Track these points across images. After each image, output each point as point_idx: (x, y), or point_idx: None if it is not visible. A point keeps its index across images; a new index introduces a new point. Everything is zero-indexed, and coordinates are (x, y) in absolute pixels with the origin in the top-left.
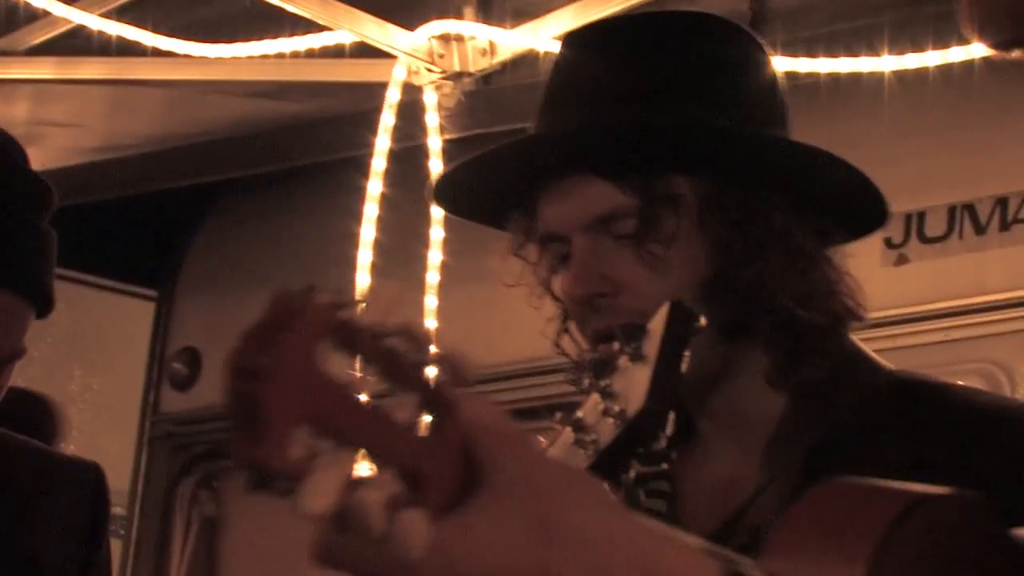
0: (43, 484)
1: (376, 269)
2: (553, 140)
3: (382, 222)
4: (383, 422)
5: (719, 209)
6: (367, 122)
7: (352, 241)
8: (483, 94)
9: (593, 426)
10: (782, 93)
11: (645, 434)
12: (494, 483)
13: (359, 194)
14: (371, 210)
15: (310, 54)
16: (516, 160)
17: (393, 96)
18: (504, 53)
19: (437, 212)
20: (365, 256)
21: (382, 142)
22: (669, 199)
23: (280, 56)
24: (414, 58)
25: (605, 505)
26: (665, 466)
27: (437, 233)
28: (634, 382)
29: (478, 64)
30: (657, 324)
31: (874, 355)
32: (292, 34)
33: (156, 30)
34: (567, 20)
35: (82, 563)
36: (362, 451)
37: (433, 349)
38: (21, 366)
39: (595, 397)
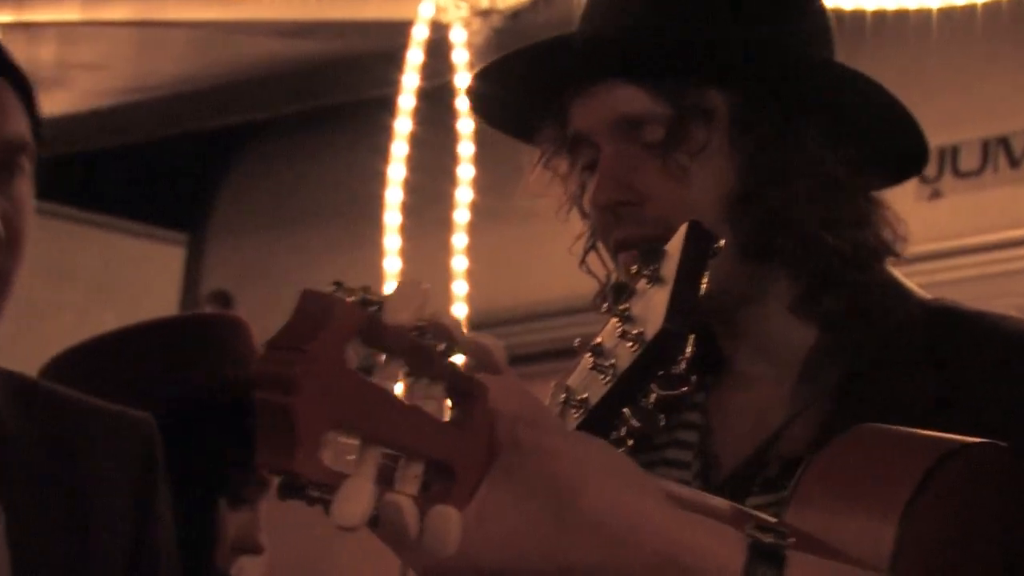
0: (93, 439)
1: (405, 208)
2: (589, 41)
3: (411, 161)
4: (411, 415)
5: (751, 126)
6: (394, 61)
7: (381, 180)
8: (512, 31)
9: (612, 350)
10: (829, 20)
11: (664, 357)
12: (507, 467)
13: (387, 133)
14: (399, 149)
15: None
16: (550, 61)
17: (421, 34)
18: None
19: (466, 150)
20: (394, 195)
21: (410, 80)
22: (701, 110)
23: None
24: None
25: (627, 487)
26: (685, 389)
27: (466, 171)
28: (652, 304)
29: (506, 0)
30: (675, 245)
31: (910, 284)
32: None
33: None
34: None
35: (137, 522)
36: (390, 447)
37: (461, 337)
38: (53, 310)
39: (613, 321)
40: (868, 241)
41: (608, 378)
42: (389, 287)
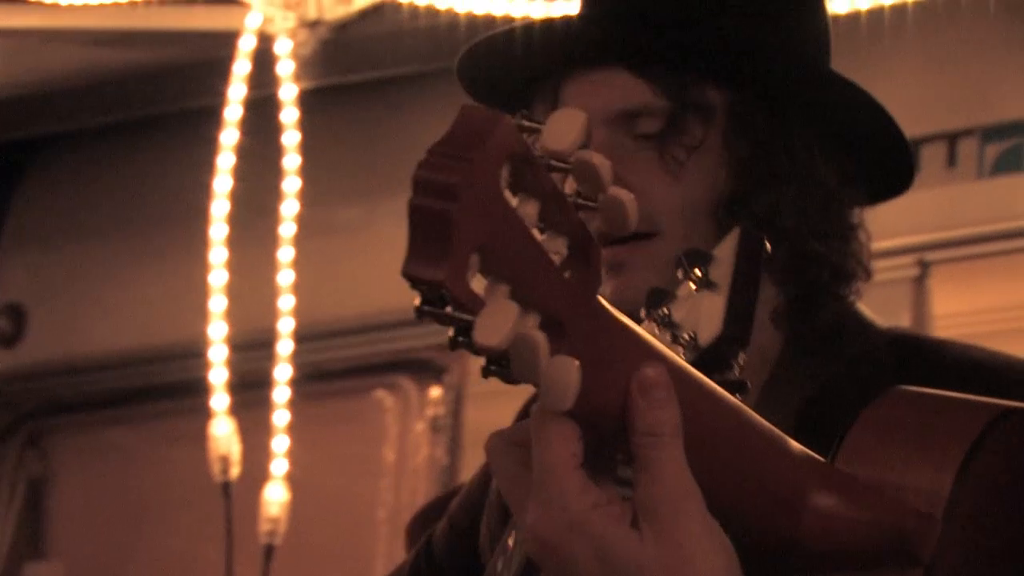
0: None
1: (231, 220)
2: (592, 23)
3: (236, 173)
4: (541, 262)
5: (748, 128)
6: (220, 71)
7: (205, 192)
8: (339, 43)
9: None
10: (829, 27)
11: (720, 361)
12: None
13: (212, 145)
14: (225, 161)
15: (161, 1)
16: (549, 41)
17: (247, 44)
18: (361, 1)
19: (292, 162)
20: (220, 207)
21: (237, 91)
22: (700, 107)
23: (132, 2)
24: (269, 6)
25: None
26: (739, 397)
27: (292, 184)
28: (704, 309)
29: (334, 11)
30: (726, 251)
31: (870, 313)
32: None
33: None
34: None
35: None
36: (516, 288)
37: (606, 183)
38: None
39: (648, 326)
40: (852, 256)
41: None
42: (216, 301)
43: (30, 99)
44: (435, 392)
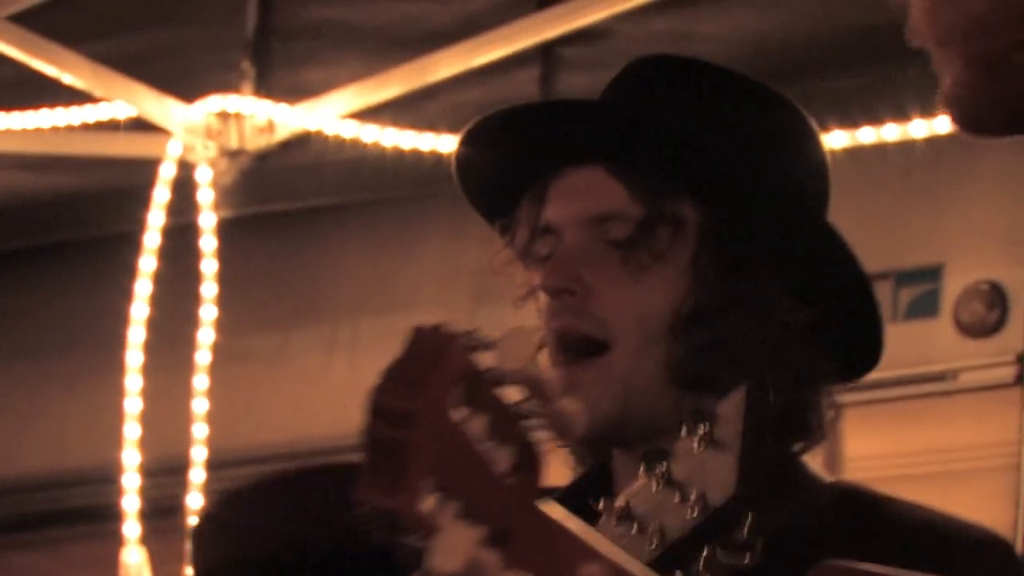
0: None
1: (147, 347)
2: (580, 123)
3: (153, 300)
4: (486, 477)
5: (717, 250)
6: (140, 198)
7: (121, 318)
8: (259, 171)
9: (651, 514)
10: (827, 166)
11: (729, 523)
12: None
13: (130, 271)
14: (142, 287)
15: (84, 127)
16: (540, 137)
17: (168, 172)
18: (283, 132)
19: (209, 291)
20: (136, 334)
21: (155, 218)
22: (672, 219)
23: (55, 128)
24: (191, 134)
25: None
26: (748, 558)
27: (209, 312)
28: (710, 469)
29: (256, 142)
30: (730, 408)
31: (812, 464)
32: (68, 104)
33: None
34: (347, 99)
35: None
36: (464, 504)
37: (550, 397)
38: None
39: (645, 483)
40: (804, 407)
41: (654, 545)
42: (130, 428)
43: None
44: None
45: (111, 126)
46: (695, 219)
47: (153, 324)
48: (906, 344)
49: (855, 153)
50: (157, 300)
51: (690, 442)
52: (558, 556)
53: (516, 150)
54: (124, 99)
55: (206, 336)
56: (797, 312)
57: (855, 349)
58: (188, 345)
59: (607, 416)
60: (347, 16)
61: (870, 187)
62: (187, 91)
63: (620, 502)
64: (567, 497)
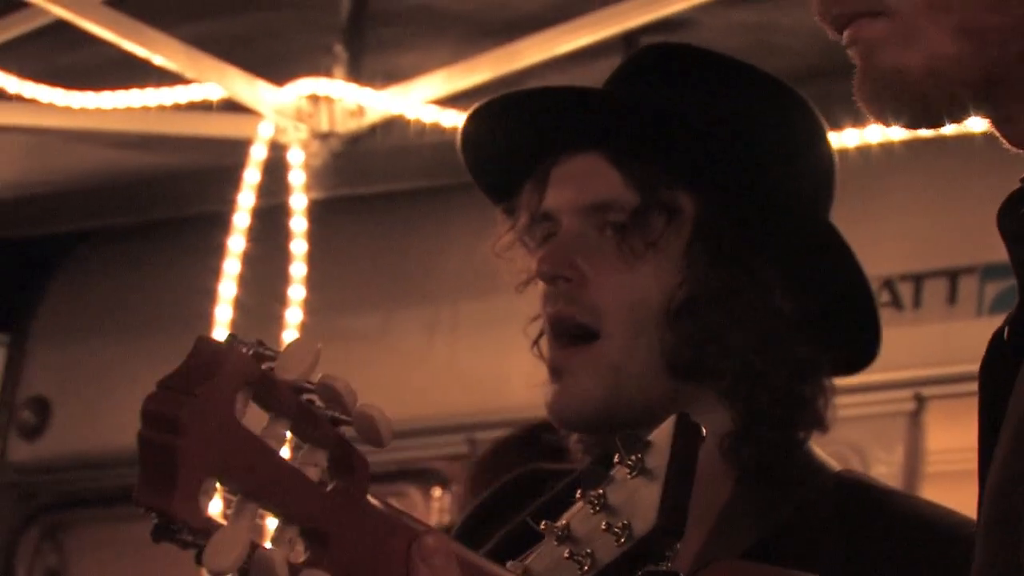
0: None
1: (235, 326)
2: (582, 110)
3: (242, 279)
4: (292, 478)
5: (712, 240)
6: (231, 178)
7: (212, 297)
8: (350, 155)
9: (587, 539)
10: (834, 167)
11: (654, 552)
12: None
13: (220, 250)
14: (232, 267)
15: (176, 107)
16: (542, 123)
17: (259, 153)
18: (373, 115)
19: (298, 271)
20: (224, 313)
21: (246, 199)
22: (668, 208)
23: (146, 108)
24: (282, 116)
25: None
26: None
27: (297, 292)
28: (639, 497)
29: (346, 125)
30: (661, 437)
31: (823, 455)
32: (159, 85)
33: (22, 75)
34: (437, 85)
35: None
36: (268, 505)
37: (350, 405)
38: None
39: (583, 507)
40: (804, 397)
41: (585, 569)
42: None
43: (53, 197)
44: (438, 495)
45: (204, 107)
46: (690, 209)
47: (243, 304)
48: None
49: (942, 146)
50: (248, 280)
51: (624, 469)
52: (392, 548)
53: (518, 134)
54: (216, 81)
55: (295, 316)
56: (790, 305)
57: (853, 344)
58: (277, 325)
59: (597, 402)
60: (438, 3)
61: (959, 181)
62: (280, 74)
63: (561, 522)
64: (569, 490)
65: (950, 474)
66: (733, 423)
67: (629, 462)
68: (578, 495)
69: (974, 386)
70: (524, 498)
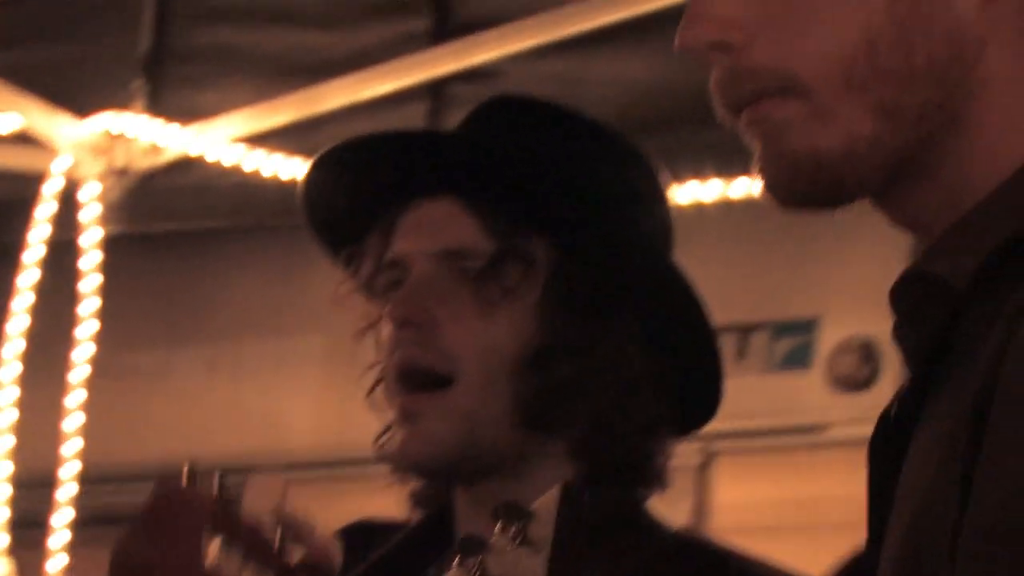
0: None
1: (26, 361)
2: (431, 154)
3: (35, 312)
4: None
5: (566, 290)
6: (22, 212)
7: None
8: (146, 191)
9: None
10: (671, 220)
11: None
12: None
13: (7, 285)
14: (23, 302)
15: None
16: (389, 168)
17: (53, 187)
18: (169, 153)
19: (88, 307)
20: (13, 347)
21: (40, 233)
22: (523, 256)
23: None
24: (79, 150)
25: None
26: None
27: (88, 329)
28: (522, 568)
29: (142, 162)
30: (546, 506)
31: (658, 514)
32: None
33: None
34: (237, 124)
35: None
36: None
37: (308, 539)
38: None
39: (459, 572)
40: (648, 455)
41: None
42: (2, 443)
43: None
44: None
45: None
46: (546, 258)
47: (33, 339)
48: (779, 395)
49: (736, 203)
50: (38, 316)
51: (505, 538)
52: None
53: (366, 180)
54: (11, 111)
55: (82, 354)
56: (643, 359)
57: (696, 400)
58: (66, 360)
59: (449, 448)
60: (241, 41)
61: (753, 237)
62: (80, 107)
63: None
64: (405, 546)
65: (736, 529)
66: (579, 478)
67: (511, 531)
68: (455, 563)
69: (763, 441)
70: (355, 553)
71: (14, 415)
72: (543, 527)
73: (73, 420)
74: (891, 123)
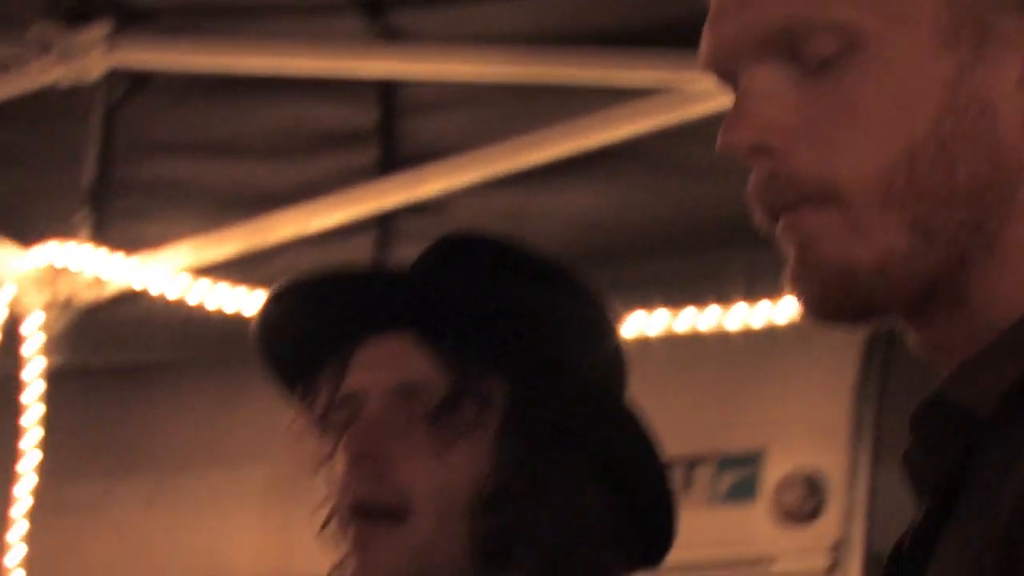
0: None
1: None
2: (383, 289)
3: None
4: None
5: (521, 430)
6: None
7: None
8: (89, 324)
9: None
10: (623, 357)
11: None
12: None
13: None
14: None
15: None
16: (341, 303)
17: None
18: (113, 286)
19: (32, 438)
20: None
21: None
22: (479, 394)
23: None
24: (23, 282)
25: None
26: None
27: (29, 463)
28: None
29: (86, 295)
30: None
31: None
32: None
33: None
34: (183, 255)
35: None
36: None
37: None
38: None
39: None
40: None
41: None
42: None
43: None
44: None
45: None
46: (500, 396)
47: None
48: (724, 528)
49: (681, 336)
50: None
51: None
52: None
53: (319, 317)
54: None
55: (24, 488)
56: (597, 497)
57: (650, 535)
58: (6, 498)
59: None
60: (186, 173)
61: (697, 370)
62: (23, 237)
63: None
64: None
65: None
66: None
67: None
68: None
69: (709, 575)
70: None
71: None
72: None
73: (15, 554)
74: (926, 241)
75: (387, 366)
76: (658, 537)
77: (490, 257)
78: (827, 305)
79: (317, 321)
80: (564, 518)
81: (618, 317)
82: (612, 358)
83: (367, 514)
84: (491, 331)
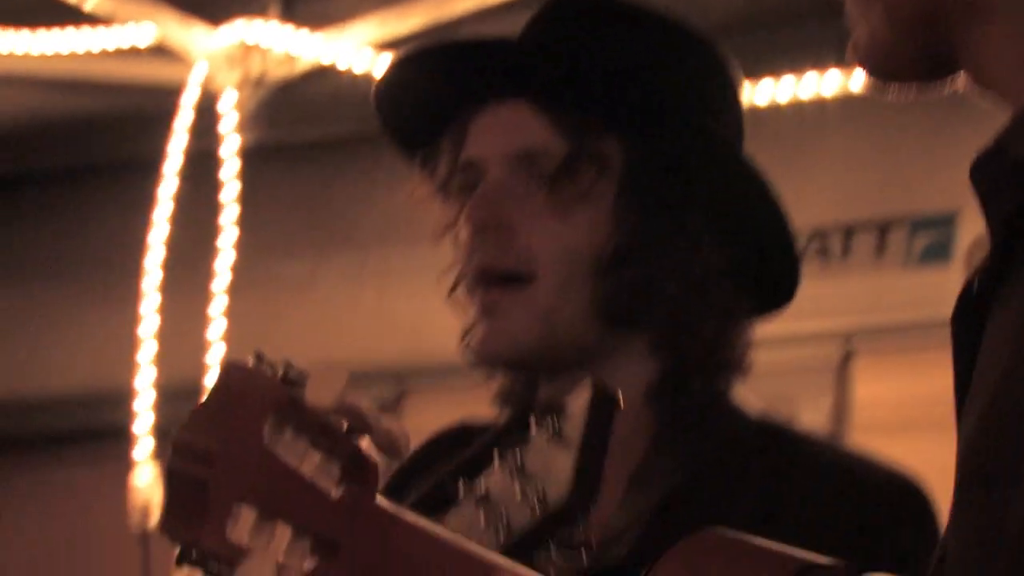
0: None
1: (167, 270)
2: (501, 56)
3: (175, 221)
4: (307, 491)
5: (640, 188)
6: (161, 124)
7: (140, 242)
8: (282, 102)
9: (503, 502)
10: (743, 118)
11: (566, 523)
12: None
13: (149, 196)
14: (163, 211)
15: (105, 52)
16: (459, 72)
17: (191, 97)
18: (305, 62)
19: (229, 215)
20: (154, 257)
21: (178, 142)
22: (596, 155)
23: (75, 53)
24: (214, 60)
25: None
26: (584, 560)
27: (228, 238)
28: (554, 465)
29: (277, 71)
30: (578, 405)
31: (741, 397)
32: (91, 25)
33: None
34: (370, 30)
35: None
36: (285, 520)
37: (374, 424)
38: None
39: (500, 470)
40: (729, 345)
41: (503, 536)
42: (146, 350)
43: None
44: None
45: (133, 50)
46: (619, 158)
47: (174, 249)
48: (919, 290)
49: (873, 101)
50: (179, 225)
51: (542, 434)
52: (408, 551)
53: (439, 84)
54: (149, 22)
55: (223, 263)
56: (718, 251)
57: (773, 284)
58: (208, 269)
59: (530, 342)
60: None
61: (889, 134)
62: (212, 16)
63: (479, 486)
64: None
65: (877, 426)
66: (660, 372)
67: (546, 427)
68: (495, 456)
69: (903, 338)
70: (450, 453)
71: (157, 322)
72: (575, 425)
73: (216, 328)
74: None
75: (506, 133)
76: (780, 289)
77: (605, 18)
78: (894, 76)
79: (435, 87)
80: (684, 272)
81: (741, 79)
82: (731, 116)
83: (493, 280)
84: (606, 92)
